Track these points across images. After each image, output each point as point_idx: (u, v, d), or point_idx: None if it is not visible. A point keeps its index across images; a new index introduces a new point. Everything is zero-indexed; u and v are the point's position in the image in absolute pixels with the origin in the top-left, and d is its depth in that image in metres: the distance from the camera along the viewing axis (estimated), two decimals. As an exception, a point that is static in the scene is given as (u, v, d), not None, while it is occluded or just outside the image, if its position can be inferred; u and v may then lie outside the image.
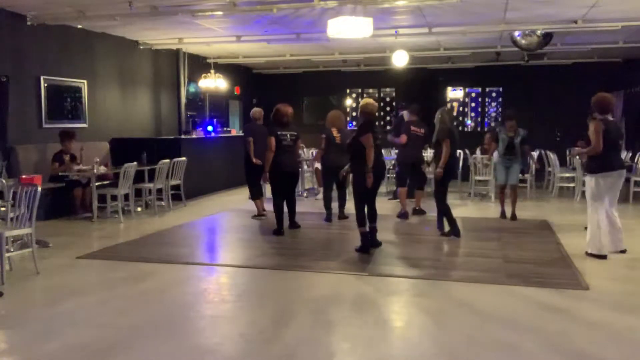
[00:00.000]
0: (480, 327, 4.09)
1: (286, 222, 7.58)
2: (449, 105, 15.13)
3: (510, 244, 6.73)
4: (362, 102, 6.54)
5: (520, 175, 8.75)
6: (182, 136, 11.58)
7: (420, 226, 7.93)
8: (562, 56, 13.30)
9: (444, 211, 7.04)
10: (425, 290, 4.98)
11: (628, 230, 7.52)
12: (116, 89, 10.71)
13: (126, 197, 8.76)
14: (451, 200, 10.05)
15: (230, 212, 9.22)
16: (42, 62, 8.97)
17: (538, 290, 4.89)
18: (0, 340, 3.95)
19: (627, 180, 9.99)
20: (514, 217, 8.40)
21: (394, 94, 16.15)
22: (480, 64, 14.28)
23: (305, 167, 11.78)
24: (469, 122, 15.94)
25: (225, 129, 13.44)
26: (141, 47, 11.26)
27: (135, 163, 8.57)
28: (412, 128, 8.47)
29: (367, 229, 6.23)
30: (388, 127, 15.70)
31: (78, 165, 8.45)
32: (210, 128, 12.20)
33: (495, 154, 8.85)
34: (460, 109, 15.83)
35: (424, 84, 15.07)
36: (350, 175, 6.46)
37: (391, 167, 10.93)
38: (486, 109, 15.68)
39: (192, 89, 12.93)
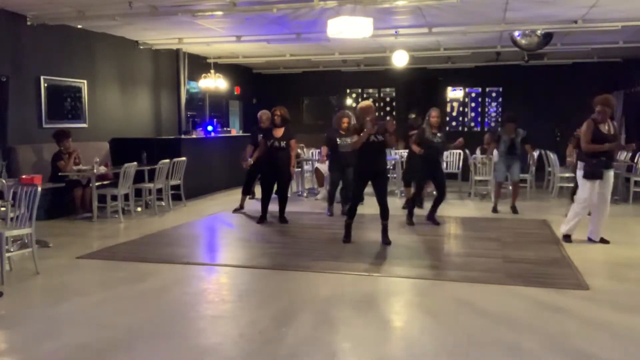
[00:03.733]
0: (480, 326, 4.09)
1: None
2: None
3: (510, 244, 6.73)
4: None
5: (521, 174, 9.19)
6: (182, 136, 11.57)
7: (421, 226, 7.92)
8: (562, 56, 13.30)
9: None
10: (426, 290, 4.99)
11: (628, 230, 7.55)
12: (116, 89, 10.71)
13: (126, 197, 8.76)
14: (451, 200, 10.12)
15: (230, 212, 9.22)
16: (42, 62, 8.96)
17: (538, 290, 4.89)
18: (0, 340, 3.95)
19: (627, 180, 10.03)
20: (514, 210, 8.79)
21: (394, 94, 16.15)
22: (480, 64, 14.27)
23: (305, 166, 11.79)
24: (469, 122, 15.92)
25: (225, 129, 13.44)
26: (141, 47, 11.26)
27: (135, 163, 8.57)
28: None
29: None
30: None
31: (78, 165, 8.46)
32: (210, 128, 12.20)
33: (496, 154, 9.00)
34: (460, 109, 15.83)
35: (424, 84, 15.07)
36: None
37: (391, 167, 10.94)
38: (486, 109, 15.67)
39: (192, 89, 12.94)
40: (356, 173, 6.76)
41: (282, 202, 8.16)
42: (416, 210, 8.15)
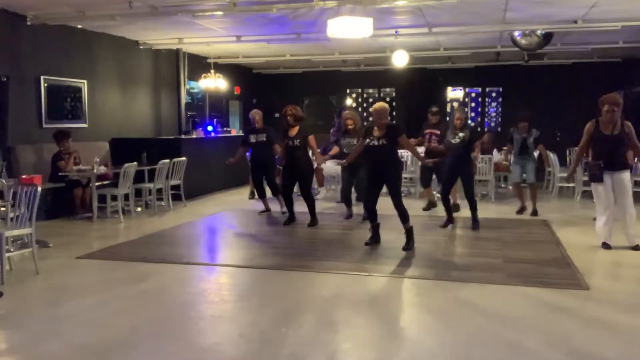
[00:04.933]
0: (480, 326, 4.09)
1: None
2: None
3: (510, 244, 6.73)
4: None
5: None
6: (182, 136, 11.58)
7: (421, 226, 7.92)
8: (562, 56, 13.30)
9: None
10: (426, 290, 4.98)
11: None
12: (116, 89, 10.71)
13: (126, 197, 8.76)
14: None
15: (230, 212, 9.22)
16: (42, 62, 8.96)
17: (538, 290, 4.89)
18: (0, 340, 3.95)
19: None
20: (535, 212, 8.62)
21: (394, 94, 16.16)
22: (480, 64, 14.28)
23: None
24: (469, 122, 15.92)
25: (225, 129, 13.45)
26: (141, 47, 11.26)
27: (135, 163, 8.57)
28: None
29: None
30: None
31: (78, 165, 8.46)
32: (210, 128, 12.20)
33: (496, 154, 8.99)
34: (460, 109, 15.82)
35: (424, 84, 15.08)
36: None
37: None
38: (486, 109, 15.68)
39: (192, 89, 12.94)
40: (367, 177, 6.69)
41: (307, 204, 7.92)
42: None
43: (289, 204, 8.01)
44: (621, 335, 3.93)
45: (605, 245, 6.35)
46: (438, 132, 8.43)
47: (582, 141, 6.37)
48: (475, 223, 7.59)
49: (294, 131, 7.78)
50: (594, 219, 7.70)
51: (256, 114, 8.90)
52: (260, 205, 9.17)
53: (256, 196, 9.71)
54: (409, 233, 6.46)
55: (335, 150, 8.79)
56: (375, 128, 6.38)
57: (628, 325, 4.11)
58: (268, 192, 8.98)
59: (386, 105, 6.58)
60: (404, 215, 6.43)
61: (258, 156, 8.70)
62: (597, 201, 6.38)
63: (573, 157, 6.82)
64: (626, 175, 6.24)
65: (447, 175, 7.63)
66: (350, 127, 8.22)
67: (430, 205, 9.03)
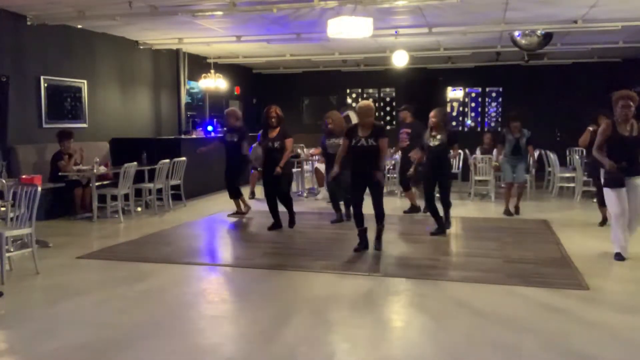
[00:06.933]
0: (479, 327, 4.09)
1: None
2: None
3: (510, 244, 6.73)
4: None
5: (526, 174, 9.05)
6: (182, 136, 11.58)
7: (421, 226, 7.92)
8: (562, 56, 13.30)
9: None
10: (425, 290, 4.98)
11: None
12: (116, 89, 10.71)
13: (126, 197, 8.76)
14: (451, 200, 10.09)
15: (230, 212, 9.20)
16: (42, 62, 8.96)
17: (538, 290, 4.89)
18: (0, 340, 3.95)
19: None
20: (517, 210, 8.71)
21: (394, 94, 16.15)
22: (480, 64, 14.28)
23: (305, 166, 11.79)
24: (469, 122, 15.93)
25: (225, 129, 13.42)
26: (141, 47, 11.26)
27: (135, 163, 8.57)
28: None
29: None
30: (388, 127, 15.78)
31: (78, 165, 8.46)
32: (210, 128, 12.20)
33: (495, 154, 8.99)
34: (460, 109, 15.83)
35: (424, 84, 15.07)
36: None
37: (391, 167, 10.95)
38: (486, 109, 15.67)
39: (192, 89, 12.94)
40: (351, 178, 6.33)
41: (285, 205, 7.68)
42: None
43: (273, 208, 7.71)
44: (621, 335, 3.93)
45: (619, 257, 5.86)
46: (410, 130, 8.40)
47: (599, 141, 5.82)
48: (446, 222, 7.41)
49: (274, 133, 7.53)
50: (600, 224, 7.56)
51: (232, 114, 8.79)
52: (261, 207, 9.15)
53: (256, 195, 9.72)
54: (381, 233, 6.37)
55: (317, 150, 8.67)
56: (359, 128, 6.16)
57: (628, 325, 4.11)
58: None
59: (372, 104, 6.39)
60: (383, 215, 6.32)
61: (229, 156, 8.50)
62: (616, 210, 5.78)
63: (596, 158, 5.98)
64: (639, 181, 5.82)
65: (427, 181, 7.43)
66: (330, 126, 7.98)
67: (413, 209, 8.93)
